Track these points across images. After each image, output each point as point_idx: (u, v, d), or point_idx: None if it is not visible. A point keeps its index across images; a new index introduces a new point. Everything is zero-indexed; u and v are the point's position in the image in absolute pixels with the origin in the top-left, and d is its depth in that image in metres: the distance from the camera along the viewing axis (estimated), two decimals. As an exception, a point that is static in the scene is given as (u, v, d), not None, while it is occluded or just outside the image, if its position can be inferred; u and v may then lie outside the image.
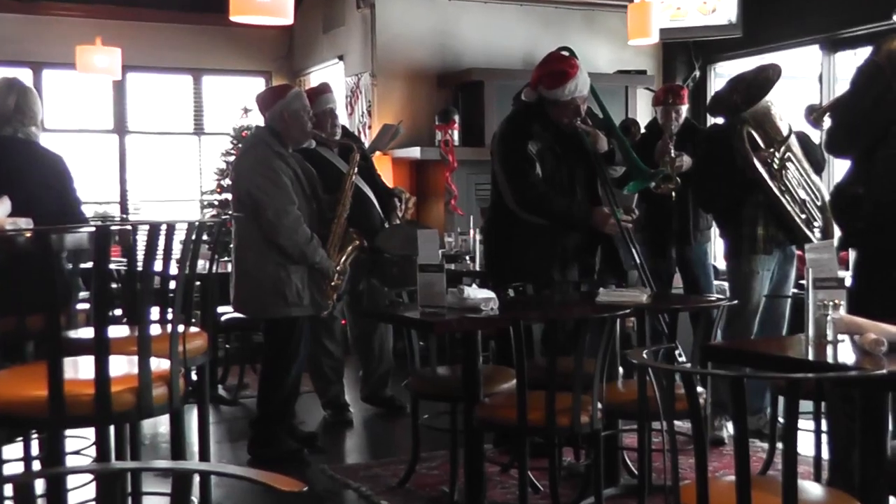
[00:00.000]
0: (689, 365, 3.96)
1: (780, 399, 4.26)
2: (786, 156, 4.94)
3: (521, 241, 4.83)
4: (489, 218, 5.19)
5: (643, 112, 8.42)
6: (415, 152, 8.18)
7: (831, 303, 2.84)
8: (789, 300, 5.15)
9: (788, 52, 7.98)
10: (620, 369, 4.50)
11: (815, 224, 5.05)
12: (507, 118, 4.98)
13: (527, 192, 4.75)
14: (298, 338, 5.02)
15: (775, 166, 4.90)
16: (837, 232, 3.87)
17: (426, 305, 3.93)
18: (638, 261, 4.76)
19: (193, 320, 3.75)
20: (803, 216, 5.03)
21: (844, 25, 7.55)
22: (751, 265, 5.06)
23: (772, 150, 4.91)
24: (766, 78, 4.81)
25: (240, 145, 8.23)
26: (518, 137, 4.79)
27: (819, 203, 5.06)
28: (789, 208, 4.99)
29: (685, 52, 9.15)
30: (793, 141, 4.97)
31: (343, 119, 7.93)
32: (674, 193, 5.70)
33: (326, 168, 5.47)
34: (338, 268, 5.06)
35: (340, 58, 9.18)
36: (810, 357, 2.77)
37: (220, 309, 6.14)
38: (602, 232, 4.81)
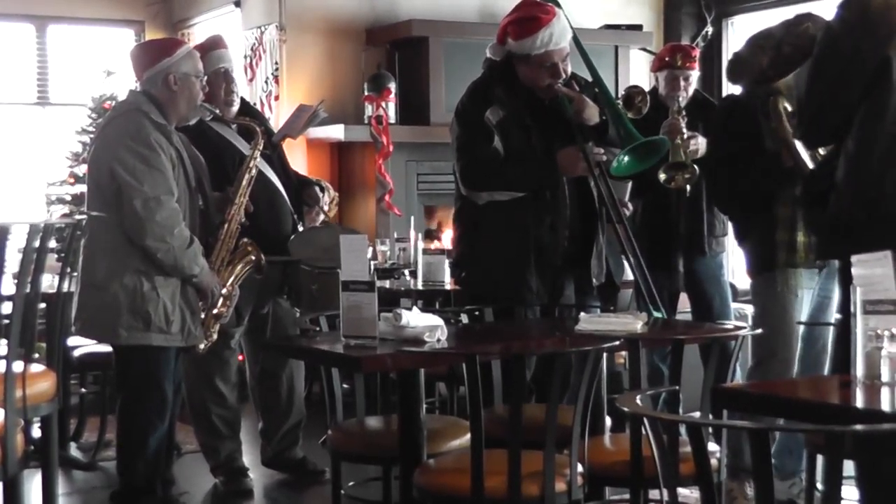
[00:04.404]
0: (697, 414, 3.98)
1: (819, 459, 4.30)
2: None
3: (486, 241, 4.88)
4: (456, 211, 5.27)
5: (637, 81, 8.47)
6: (337, 132, 8.15)
7: (887, 332, 2.86)
8: (831, 328, 5.16)
9: (831, 1, 8.07)
10: (608, 420, 4.51)
11: None
12: (472, 82, 5.11)
13: (471, 167, 4.88)
14: (159, 376, 4.92)
15: (821, 151, 4.91)
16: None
17: (351, 336, 3.93)
18: (633, 263, 4.78)
19: (36, 355, 3.70)
20: None
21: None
22: (788, 281, 5.03)
23: None
24: (804, 32, 4.83)
25: (100, 120, 8.16)
26: (474, 104, 4.92)
27: None
28: None
29: (693, 0, 9.24)
30: None
31: (242, 87, 7.90)
32: (688, 187, 5.70)
33: (224, 151, 5.43)
34: (224, 289, 5.00)
35: (237, 4, 9.15)
36: (858, 403, 2.80)
37: (73, 340, 6.06)
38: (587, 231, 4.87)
